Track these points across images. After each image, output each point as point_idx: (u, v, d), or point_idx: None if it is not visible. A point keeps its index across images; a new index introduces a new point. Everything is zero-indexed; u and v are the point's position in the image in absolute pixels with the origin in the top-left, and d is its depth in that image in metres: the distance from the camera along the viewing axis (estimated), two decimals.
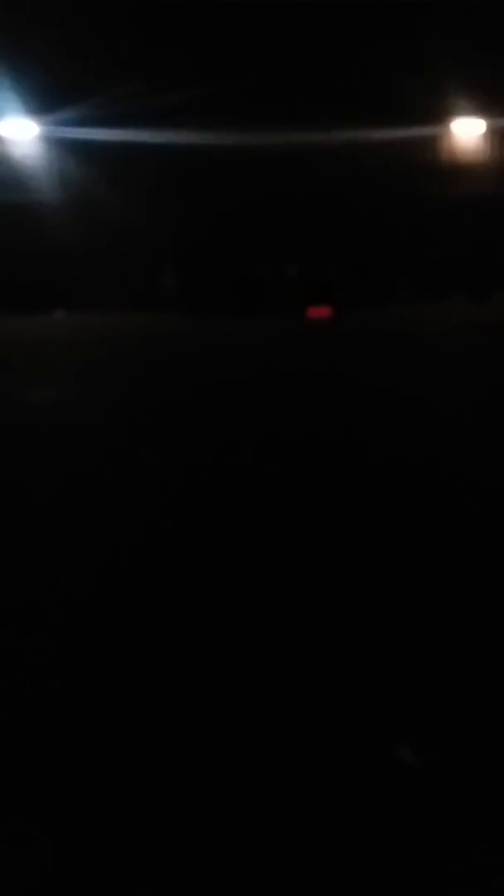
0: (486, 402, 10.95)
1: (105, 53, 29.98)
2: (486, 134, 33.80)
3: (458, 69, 30.02)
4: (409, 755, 3.21)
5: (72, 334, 24.26)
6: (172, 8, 29.43)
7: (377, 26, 29.52)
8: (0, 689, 3.85)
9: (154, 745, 3.37)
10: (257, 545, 5.67)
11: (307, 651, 4.10)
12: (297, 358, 17.45)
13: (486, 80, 31.00)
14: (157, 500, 6.91)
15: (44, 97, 30.64)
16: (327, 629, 4.32)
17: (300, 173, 31.43)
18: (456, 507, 6.35)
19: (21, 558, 5.64)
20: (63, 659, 4.15)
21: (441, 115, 32.64)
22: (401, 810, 2.95)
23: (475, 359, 15.69)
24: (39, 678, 3.96)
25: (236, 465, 7.98)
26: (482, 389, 11.96)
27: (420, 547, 5.51)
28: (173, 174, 31.56)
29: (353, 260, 31.44)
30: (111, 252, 31.49)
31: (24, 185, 32.30)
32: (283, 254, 31.30)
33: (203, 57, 30.00)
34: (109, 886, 2.67)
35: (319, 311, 28.27)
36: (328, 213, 31.07)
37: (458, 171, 33.38)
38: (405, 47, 29.51)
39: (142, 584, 5.05)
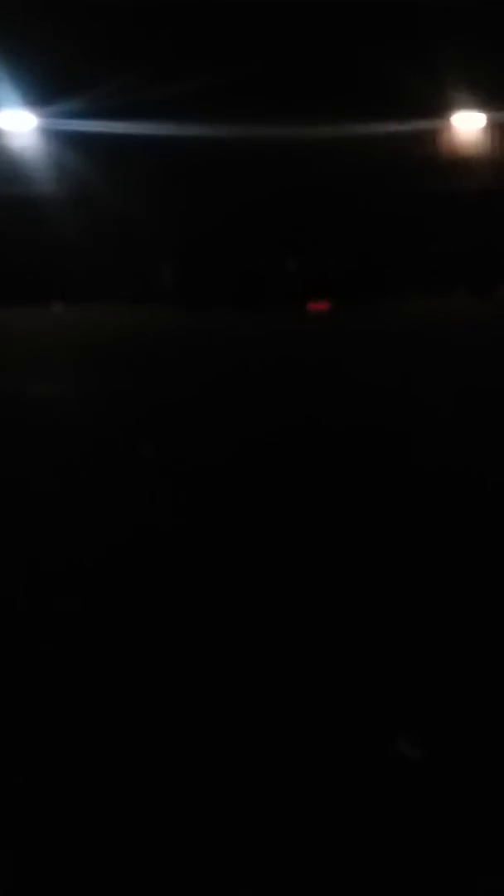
0: (487, 396, 10.92)
1: (104, 45, 29.92)
2: (486, 128, 33.78)
3: (459, 63, 29.99)
4: (408, 749, 3.18)
5: (70, 327, 24.24)
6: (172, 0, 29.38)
7: (378, 20, 29.47)
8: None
9: (153, 740, 3.33)
10: (257, 538, 5.62)
11: (307, 645, 4.05)
12: (296, 351, 17.42)
13: (488, 73, 30.97)
14: (156, 493, 6.86)
15: (42, 89, 30.59)
16: (327, 620, 4.27)
17: (300, 167, 31.40)
18: (454, 499, 6.30)
19: (20, 551, 5.59)
20: (61, 652, 4.09)
21: (442, 108, 32.61)
22: (400, 805, 2.92)
23: (476, 353, 15.66)
24: (36, 672, 3.91)
25: (234, 458, 7.93)
26: (483, 384, 11.92)
27: (419, 541, 5.45)
28: (172, 167, 31.53)
29: (352, 254, 31.42)
30: (110, 245, 31.46)
31: (23, 178, 32.27)
32: (282, 247, 31.28)
33: (202, 49, 29.95)
34: (109, 886, 2.63)
35: (319, 305, 28.27)
36: (328, 206, 31.05)
37: (458, 165, 33.36)
38: (406, 41, 29.47)
39: (140, 577, 5.01)
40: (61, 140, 32.27)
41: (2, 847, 2.82)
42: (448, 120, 33.45)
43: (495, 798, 2.96)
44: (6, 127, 32.50)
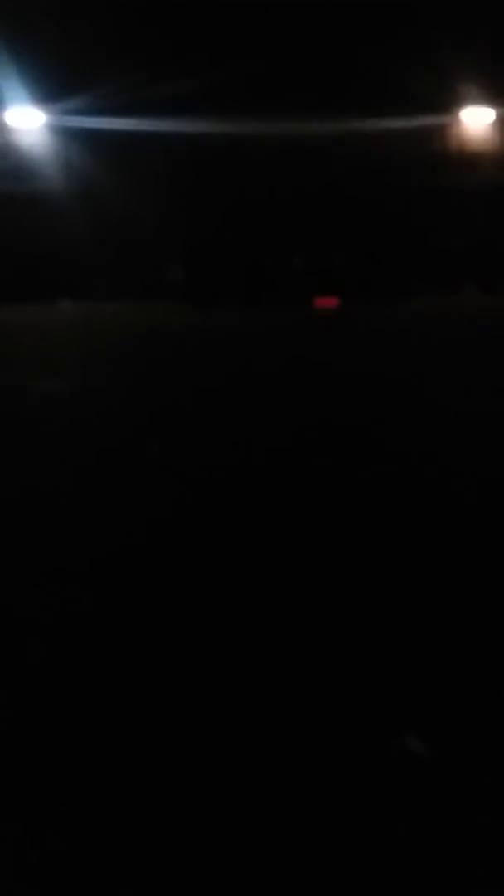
0: (496, 393, 10.90)
1: (112, 42, 29.92)
2: (494, 123, 33.71)
3: (467, 58, 29.94)
4: (414, 746, 3.17)
5: (78, 324, 24.28)
6: None
7: (386, 16, 29.43)
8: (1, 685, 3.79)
9: (154, 741, 3.31)
10: (262, 536, 5.60)
11: (311, 643, 4.03)
12: (303, 348, 17.40)
13: (496, 69, 30.91)
14: (163, 491, 6.85)
15: (50, 86, 30.60)
16: (331, 619, 4.25)
17: (308, 163, 31.38)
18: (462, 498, 6.28)
19: (24, 550, 5.58)
20: (64, 649, 4.07)
21: (450, 104, 32.56)
22: (404, 801, 2.89)
23: (485, 350, 15.62)
24: (40, 670, 3.90)
25: (243, 456, 7.92)
26: (492, 381, 11.90)
27: (424, 541, 5.43)
28: (180, 164, 31.52)
29: (360, 250, 31.39)
30: (118, 242, 31.47)
31: (31, 175, 32.30)
32: (290, 244, 31.26)
33: (210, 46, 29.94)
34: (108, 886, 2.61)
35: (326, 302, 28.25)
36: (336, 202, 31.02)
37: (467, 161, 33.31)
38: (414, 36, 29.42)
39: (146, 575, 4.99)
40: (69, 137, 32.29)
41: (3, 844, 2.81)
42: (456, 116, 33.39)
43: (497, 798, 2.93)
44: (14, 124, 32.53)
